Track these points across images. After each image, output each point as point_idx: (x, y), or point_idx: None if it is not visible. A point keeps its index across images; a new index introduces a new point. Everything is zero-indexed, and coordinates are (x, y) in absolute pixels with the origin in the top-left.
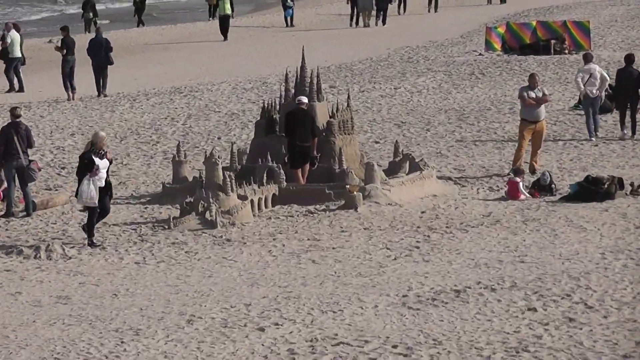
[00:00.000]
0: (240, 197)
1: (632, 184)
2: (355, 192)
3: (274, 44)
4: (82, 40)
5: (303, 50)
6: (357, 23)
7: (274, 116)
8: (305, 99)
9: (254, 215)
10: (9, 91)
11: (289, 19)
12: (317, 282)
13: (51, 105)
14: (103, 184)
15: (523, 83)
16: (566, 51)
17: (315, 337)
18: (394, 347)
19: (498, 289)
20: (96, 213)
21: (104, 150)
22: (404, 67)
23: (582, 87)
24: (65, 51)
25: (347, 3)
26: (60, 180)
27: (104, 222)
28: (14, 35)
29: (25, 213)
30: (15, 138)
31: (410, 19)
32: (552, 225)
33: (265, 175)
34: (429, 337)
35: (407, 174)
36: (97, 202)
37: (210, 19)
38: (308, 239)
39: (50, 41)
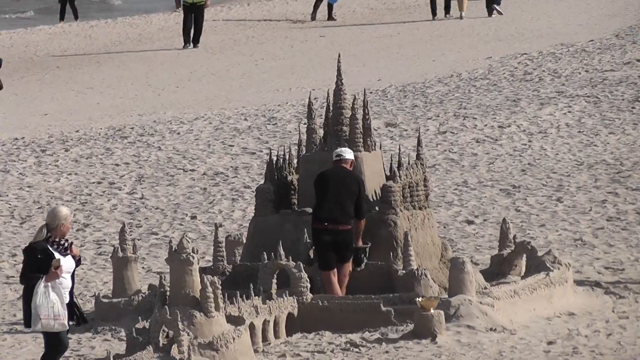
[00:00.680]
0: (231, 319)
1: None
2: (432, 310)
3: (288, 50)
4: None
5: (339, 60)
6: (447, 11)
7: (289, 178)
8: (348, 154)
9: (255, 351)
10: None
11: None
12: None
13: None
14: (67, 297)
15: None
16: None
17: None
18: None
19: None
20: (62, 342)
21: (65, 240)
22: (516, 90)
23: None
24: None
25: None
26: None
27: None
28: None
29: None
30: None
31: (526, 3)
32: None
33: (274, 280)
34: None
35: (523, 277)
36: (66, 322)
37: (178, 10)
38: None
39: None
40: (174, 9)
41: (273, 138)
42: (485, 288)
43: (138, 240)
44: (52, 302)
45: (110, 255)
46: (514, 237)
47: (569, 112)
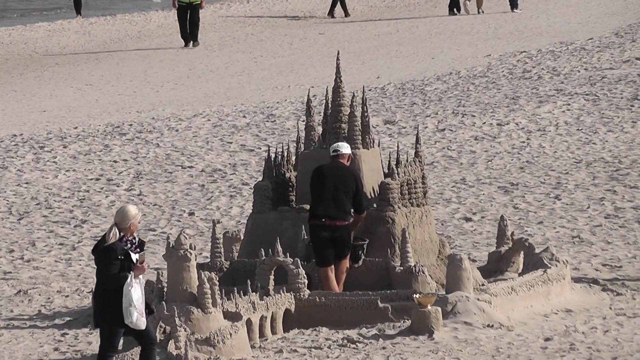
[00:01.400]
0: (229, 315)
1: None
2: (429, 306)
3: (287, 48)
4: None
5: (338, 58)
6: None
7: (287, 175)
8: (345, 148)
9: (252, 347)
10: None
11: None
12: None
13: None
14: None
15: None
16: None
17: None
18: None
19: None
20: (156, 342)
21: (133, 237)
22: (515, 87)
23: None
24: None
25: None
26: None
27: None
28: None
29: None
30: None
31: (526, 2)
32: None
33: (272, 277)
34: None
35: (520, 274)
36: (145, 317)
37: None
38: None
39: None
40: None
41: (271, 135)
42: (483, 285)
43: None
44: (140, 298)
45: None
46: (512, 234)
47: (568, 110)
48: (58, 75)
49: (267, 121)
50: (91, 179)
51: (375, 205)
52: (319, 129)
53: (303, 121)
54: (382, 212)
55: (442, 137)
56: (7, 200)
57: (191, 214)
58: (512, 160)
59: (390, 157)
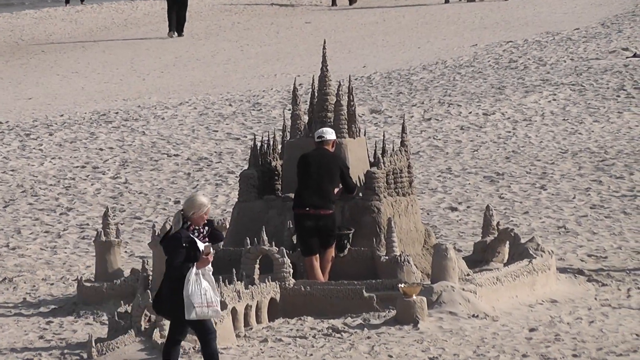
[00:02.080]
0: None
1: None
2: (414, 296)
3: (273, 36)
4: None
5: (324, 47)
6: None
7: (273, 164)
8: (330, 134)
9: (237, 336)
10: None
11: None
12: None
13: None
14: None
15: None
16: None
17: None
18: None
19: None
20: (214, 332)
21: (203, 227)
22: (501, 77)
23: None
24: None
25: None
26: None
27: None
28: None
29: None
30: None
31: None
32: None
33: (257, 266)
34: None
35: (506, 265)
36: (219, 308)
37: None
38: None
39: None
40: None
41: (257, 124)
42: (468, 275)
43: (121, 224)
44: (204, 289)
45: (93, 239)
46: (497, 224)
47: (554, 100)
48: (44, 63)
49: (253, 110)
50: (77, 167)
51: (361, 194)
52: (305, 118)
53: (289, 110)
54: (368, 202)
55: (428, 127)
56: None
57: (177, 202)
58: (498, 150)
59: (376, 146)
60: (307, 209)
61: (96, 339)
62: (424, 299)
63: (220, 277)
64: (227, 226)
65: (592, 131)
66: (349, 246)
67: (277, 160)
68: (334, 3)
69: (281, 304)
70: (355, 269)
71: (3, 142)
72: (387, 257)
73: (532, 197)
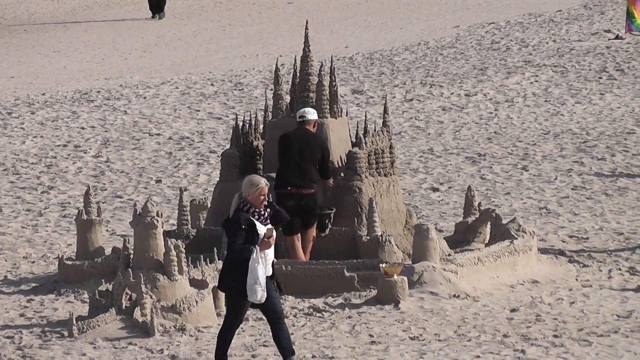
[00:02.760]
0: (195, 282)
1: None
2: (395, 276)
3: (255, 17)
4: None
5: (307, 27)
6: None
7: (255, 143)
8: (311, 114)
9: (218, 315)
10: None
11: None
12: None
13: None
14: (271, 269)
15: None
16: None
17: None
18: None
19: None
20: (283, 316)
21: (265, 211)
22: (484, 58)
23: None
24: None
25: None
26: None
27: None
28: None
29: None
30: None
31: None
32: None
33: None
34: None
35: (487, 245)
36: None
37: None
38: (313, 358)
39: None
40: None
41: (239, 103)
42: (449, 255)
43: (103, 203)
44: (263, 272)
45: (74, 217)
46: (479, 204)
47: (536, 81)
48: (26, 42)
49: (235, 89)
50: (58, 146)
51: (342, 174)
52: (287, 98)
53: (271, 90)
54: (350, 182)
55: (410, 107)
56: None
57: (158, 181)
58: (479, 130)
59: (358, 127)
60: (289, 188)
61: (77, 317)
62: (405, 278)
63: (202, 256)
64: (209, 205)
65: (574, 113)
66: (330, 226)
67: (258, 140)
68: None
69: None
70: (336, 248)
71: None
72: (368, 237)
73: (514, 178)
